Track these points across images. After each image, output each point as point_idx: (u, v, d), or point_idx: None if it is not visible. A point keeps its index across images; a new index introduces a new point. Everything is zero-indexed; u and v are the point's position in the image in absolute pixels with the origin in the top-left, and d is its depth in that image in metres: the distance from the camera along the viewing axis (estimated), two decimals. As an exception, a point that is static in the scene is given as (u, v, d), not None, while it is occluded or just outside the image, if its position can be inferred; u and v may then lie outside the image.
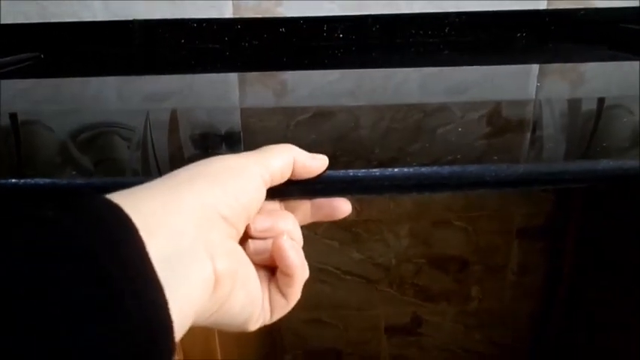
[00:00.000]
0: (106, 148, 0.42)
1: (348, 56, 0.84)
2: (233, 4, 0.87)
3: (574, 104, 0.56)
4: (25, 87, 0.70)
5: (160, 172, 0.37)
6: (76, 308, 0.18)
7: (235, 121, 0.52)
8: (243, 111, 0.56)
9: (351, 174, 0.32)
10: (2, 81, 0.69)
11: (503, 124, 0.47)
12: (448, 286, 1.09)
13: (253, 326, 0.29)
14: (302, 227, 0.33)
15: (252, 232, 0.28)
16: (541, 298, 1.10)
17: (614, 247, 0.89)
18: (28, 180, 0.32)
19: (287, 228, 0.29)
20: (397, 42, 0.89)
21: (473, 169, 0.32)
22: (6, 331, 0.16)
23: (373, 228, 1.03)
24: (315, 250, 1.02)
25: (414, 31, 0.89)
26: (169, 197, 0.24)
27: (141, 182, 0.25)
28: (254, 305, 0.28)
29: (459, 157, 0.34)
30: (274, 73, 0.76)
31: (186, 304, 0.22)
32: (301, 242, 0.31)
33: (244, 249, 0.28)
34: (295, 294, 0.30)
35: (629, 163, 0.32)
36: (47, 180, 0.32)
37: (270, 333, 1.08)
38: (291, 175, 0.30)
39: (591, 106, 0.55)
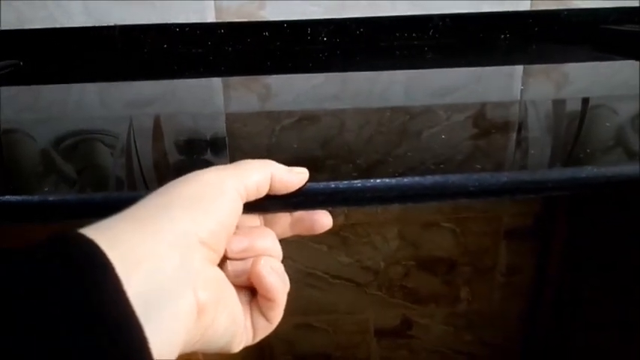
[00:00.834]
0: (90, 156, 0.41)
1: (333, 59, 0.84)
2: (215, 8, 0.86)
3: (559, 105, 0.56)
4: (4, 95, 0.69)
5: (145, 179, 0.36)
6: (50, 351, 0.17)
7: (220, 126, 0.51)
8: (227, 116, 0.55)
9: (332, 186, 0.31)
10: (-19, 89, 0.68)
11: (489, 125, 0.47)
12: (437, 288, 1.09)
13: (236, 348, 0.28)
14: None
15: (229, 253, 0.27)
16: (530, 298, 1.10)
17: (602, 247, 0.90)
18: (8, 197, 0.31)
19: (265, 246, 0.29)
20: (381, 45, 0.89)
21: (455, 178, 0.32)
22: None
23: (361, 231, 1.03)
24: (303, 254, 1.01)
25: (398, 34, 0.89)
26: (147, 227, 0.23)
27: (115, 198, 0.24)
28: (236, 327, 0.27)
29: (442, 166, 0.34)
30: (258, 77, 0.75)
31: (170, 337, 0.21)
32: (280, 256, 0.30)
33: (223, 271, 0.27)
34: (277, 315, 0.29)
35: (612, 169, 0.32)
36: (18, 197, 0.32)
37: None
38: (270, 190, 0.29)
39: (576, 106, 0.55)
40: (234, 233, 0.28)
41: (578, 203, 0.96)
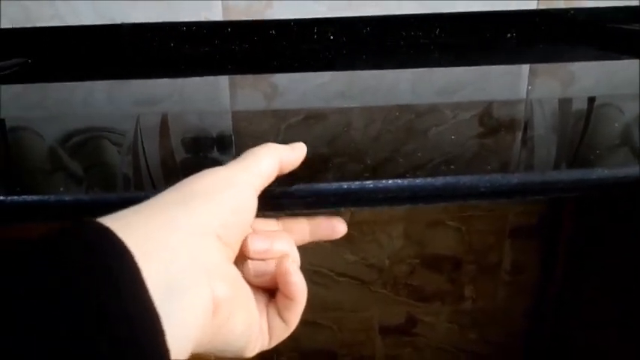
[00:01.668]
0: (97, 154, 0.42)
1: (339, 58, 0.84)
2: (223, 6, 0.86)
3: (565, 104, 0.56)
4: (13, 93, 0.69)
5: (151, 177, 0.37)
6: (68, 339, 0.17)
7: (226, 125, 0.51)
8: (234, 114, 0.55)
9: (345, 187, 0.31)
10: (-10, 87, 0.69)
11: (495, 124, 0.47)
12: (442, 286, 1.09)
13: (251, 352, 0.28)
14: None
15: (251, 253, 0.27)
16: (535, 296, 1.10)
17: (607, 246, 0.89)
18: (16, 197, 0.32)
19: (285, 249, 0.29)
20: (388, 44, 0.89)
21: (467, 179, 0.32)
22: None
23: (366, 229, 1.03)
24: (308, 252, 1.01)
25: (404, 33, 0.89)
26: (163, 219, 0.23)
27: (123, 199, 0.24)
28: (252, 330, 0.27)
29: (452, 167, 0.34)
30: (265, 75, 0.75)
31: (185, 332, 0.21)
32: (298, 262, 0.30)
33: (243, 271, 0.27)
34: (295, 318, 0.29)
35: (623, 170, 0.32)
36: (35, 197, 0.32)
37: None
38: (278, 171, 0.30)
39: (582, 105, 0.55)
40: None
41: (584, 202, 0.96)
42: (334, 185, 0.31)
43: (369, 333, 1.14)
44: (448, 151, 0.37)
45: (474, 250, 1.06)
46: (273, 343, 0.29)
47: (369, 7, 0.87)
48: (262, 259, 0.28)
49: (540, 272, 1.07)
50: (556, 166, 0.36)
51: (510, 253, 1.06)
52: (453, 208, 1.02)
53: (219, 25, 0.87)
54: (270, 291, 0.29)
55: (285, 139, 0.43)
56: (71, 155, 0.41)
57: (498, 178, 0.32)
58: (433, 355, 1.17)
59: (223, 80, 0.75)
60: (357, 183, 0.31)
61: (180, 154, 0.41)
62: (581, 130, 0.44)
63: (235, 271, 0.26)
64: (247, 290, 0.27)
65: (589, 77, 0.70)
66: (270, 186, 0.29)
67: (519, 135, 0.43)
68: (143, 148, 0.42)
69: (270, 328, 0.29)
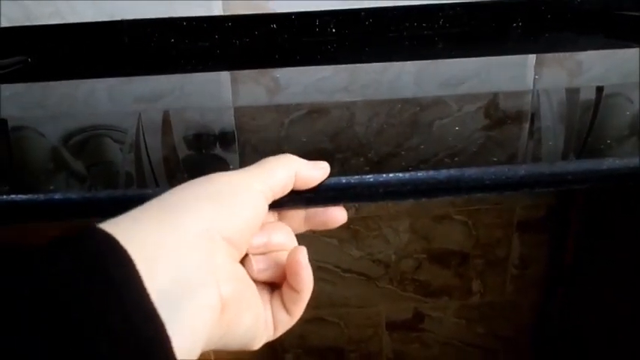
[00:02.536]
0: (99, 151, 0.42)
1: (342, 51, 0.83)
2: (222, 1, 0.86)
3: (572, 94, 0.55)
4: (13, 92, 0.69)
5: (154, 174, 0.36)
6: (69, 343, 0.17)
7: (229, 121, 0.51)
8: (236, 110, 0.55)
9: (344, 181, 0.30)
10: (-9, 86, 0.69)
11: (502, 116, 0.46)
12: (449, 281, 1.09)
13: (258, 344, 0.28)
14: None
15: (249, 249, 0.27)
16: (543, 290, 1.09)
17: (617, 239, 0.89)
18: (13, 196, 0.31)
19: (283, 241, 0.29)
20: (391, 35, 0.88)
21: (471, 172, 0.31)
22: None
23: (372, 224, 1.03)
24: (314, 248, 1.01)
25: (407, 24, 0.88)
26: (168, 221, 0.22)
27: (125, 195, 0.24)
28: (258, 325, 0.27)
29: (456, 159, 0.33)
30: (266, 70, 0.75)
31: (194, 332, 0.21)
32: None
33: (246, 267, 0.27)
34: (300, 309, 0.29)
35: (633, 161, 0.31)
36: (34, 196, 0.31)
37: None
38: (293, 186, 0.29)
39: (590, 95, 0.54)
40: None
41: (593, 194, 0.95)
42: (333, 180, 0.30)
43: (376, 329, 1.13)
44: (453, 144, 0.37)
45: (481, 244, 1.05)
46: (278, 334, 0.30)
47: (370, -1, 0.86)
48: (262, 253, 0.28)
49: (549, 266, 1.07)
50: (564, 158, 0.35)
51: (518, 247, 1.06)
52: (460, 201, 1.02)
53: (219, 19, 0.87)
54: (272, 284, 0.29)
55: (288, 134, 0.43)
56: (73, 153, 0.41)
57: (504, 170, 0.31)
58: (441, 350, 1.17)
59: (225, 76, 0.75)
60: (357, 177, 0.31)
61: (182, 151, 0.40)
62: (589, 120, 0.43)
63: (242, 270, 0.26)
64: (253, 287, 0.27)
65: (597, 66, 0.69)
66: None
67: (526, 126, 0.43)
68: (145, 145, 0.42)
69: (274, 320, 0.29)
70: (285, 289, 0.28)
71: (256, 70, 0.75)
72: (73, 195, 0.31)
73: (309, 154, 0.32)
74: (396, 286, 1.09)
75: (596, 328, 0.97)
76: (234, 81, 0.72)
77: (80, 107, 0.61)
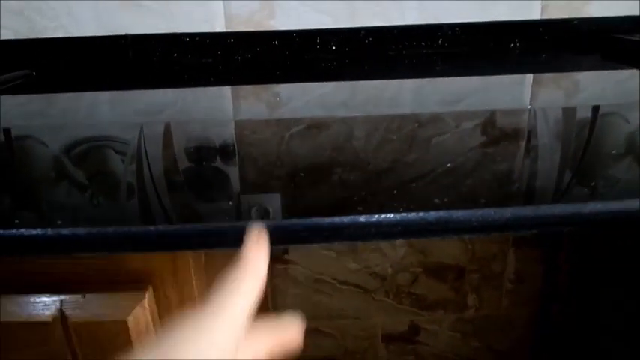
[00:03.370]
0: (101, 163, 0.42)
1: (342, 68, 0.84)
2: (225, 17, 0.87)
3: (569, 113, 0.56)
4: (18, 104, 0.70)
5: (155, 185, 0.37)
6: None
7: (229, 134, 0.52)
8: (237, 124, 0.56)
9: (337, 221, 0.31)
10: (-4, 99, 0.69)
11: (498, 134, 0.47)
12: (445, 295, 1.09)
13: None
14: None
15: None
16: (538, 305, 1.09)
17: (612, 253, 0.89)
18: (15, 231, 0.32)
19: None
20: (390, 54, 0.89)
21: (459, 214, 0.31)
22: None
23: (369, 237, 1.03)
24: (311, 260, 1.01)
25: (407, 43, 0.89)
26: None
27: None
28: None
29: (446, 200, 0.33)
30: (268, 85, 0.75)
31: None
32: None
33: None
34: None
35: (616, 205, 0.32)
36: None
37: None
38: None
39: (586, 114, 0.55)
40: None
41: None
42: (327, 220, 0.31)
43: (372, 341, 1.13)
44: (450, 161, 0.37)
45: (477, 259, 1.05)
46: None
47: (371, 18, 0.87)
48: None
49: (544, 281, 1.07)
50: (558, 181, 0.35)
51: (514, 262, 1.06)
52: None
53: (221, 35, 0.87)
54: None
55: (288, 149, 0.43)
56: (75, 164, 0.41)
57: (490, 213, 0.31)
58: (436, 363, 1.16)
59: (226, 90, 0.75)
60: (350, 218, 0.31)
61: (183, 163, 0.41)
62: (585, 139, 0.44)
63: None
64: None
65: (593, 87, 0.70)
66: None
67: (523, 144, 0.43)
68: (147, 157, 0.42)
69: None
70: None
71: (258, 86, 0.76)
72: (81, 231, 0.31)
73: (308, 168, 0.32)
74: (392, 298, 1.09)
75: (590, 342, 0.97)
76: (235, 96, 0.72)
77: (83, 119, 0.61)
